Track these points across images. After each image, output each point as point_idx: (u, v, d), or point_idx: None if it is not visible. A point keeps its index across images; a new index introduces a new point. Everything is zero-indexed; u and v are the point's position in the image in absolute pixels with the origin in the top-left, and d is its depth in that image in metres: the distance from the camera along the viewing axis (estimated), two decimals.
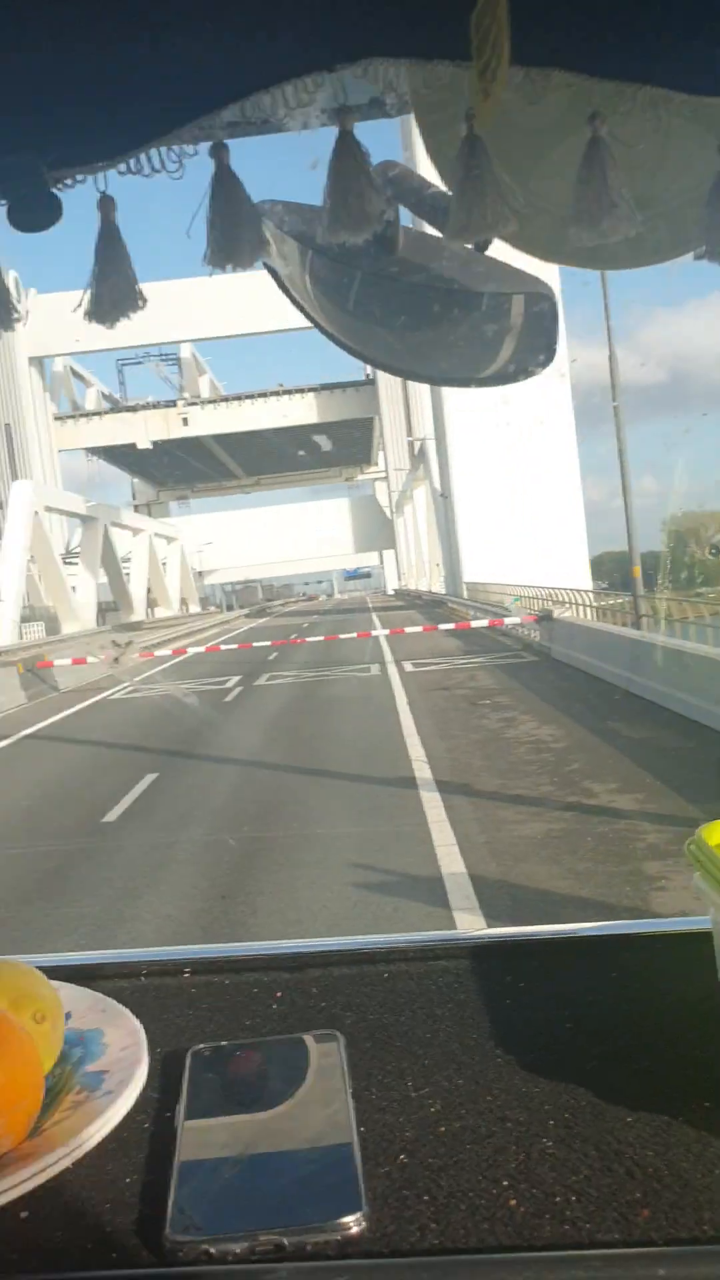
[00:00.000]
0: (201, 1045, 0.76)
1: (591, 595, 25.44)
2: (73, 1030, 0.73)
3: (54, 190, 0.68)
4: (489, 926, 4.70)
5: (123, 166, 0.68)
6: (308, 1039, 0.76)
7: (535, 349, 0.91)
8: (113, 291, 0.74)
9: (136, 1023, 0.76)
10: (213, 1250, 0.54)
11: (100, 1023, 0.76)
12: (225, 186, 0.69)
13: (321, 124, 0.68)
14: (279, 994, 0.88)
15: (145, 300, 0.74)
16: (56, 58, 0.63)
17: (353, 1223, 0.55)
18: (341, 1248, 0.54)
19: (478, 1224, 0.56)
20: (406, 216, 0.86)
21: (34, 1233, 0.57)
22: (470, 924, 5.47)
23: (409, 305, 0.89)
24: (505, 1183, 0.59)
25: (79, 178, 0.68)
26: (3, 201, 0.68)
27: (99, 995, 0.80)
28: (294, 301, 0.91)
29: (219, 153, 0.69)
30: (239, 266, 0.70)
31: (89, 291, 0.75)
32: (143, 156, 0.67)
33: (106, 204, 0.72)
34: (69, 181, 0.68)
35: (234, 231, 0.69)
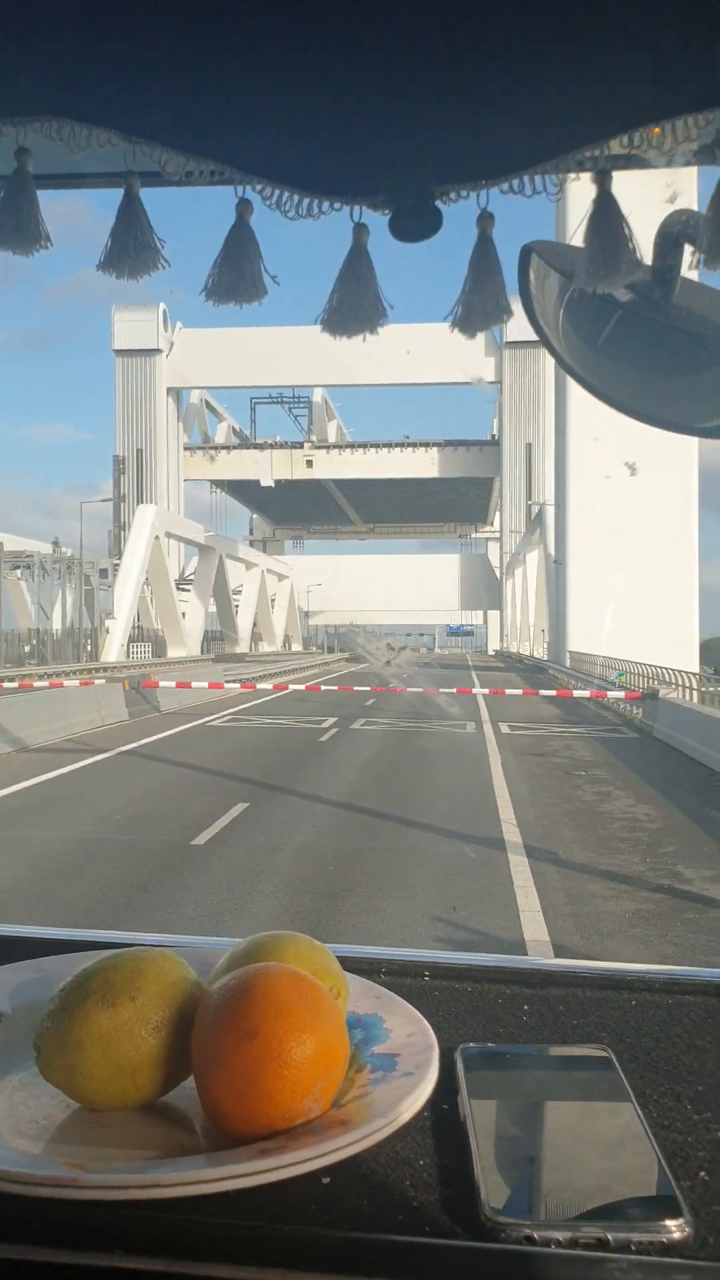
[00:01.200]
0: (470, 1044, 0.78)
1: (698, 679, 24.87)
2: (350, 1013, 0.75)
3: (437, 203, 0.70)
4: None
5: (505, 186, 0.69)
6: (578, 1052, 0.79)
7: None
8: (484, 303, 0.76)
9: (416, 1012, 0.77)
10: (535, 1235, 0.55)
11: (376, 1008, 0.78)
12: (606, 209, 0.71)
13: (687, 163, 0.70)
14: (525, 1006, 0.90)
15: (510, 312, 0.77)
16: (455, 78, 0.65)
17: (675, 1228, 0.56)
18: (665, 1250, 0.55)
19: None
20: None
21: (339, 1197, 0.60)
22: None
23: (671, 349, 0.93)
24: None
25: (463, 193, 0.70)
26: (388, 210, 0.71)
27: (369, 982, 0.82)
28: (540, 335, 0.93)
29: (603, 180, 0.71)
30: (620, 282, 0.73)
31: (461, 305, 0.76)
32: (525, 179, 0.69)
33: (485, 220, 0.74)
34: (452, 196, 0.70)
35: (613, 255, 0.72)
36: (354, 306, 0.74)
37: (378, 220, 0.73)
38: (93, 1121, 0.66)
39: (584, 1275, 0.53)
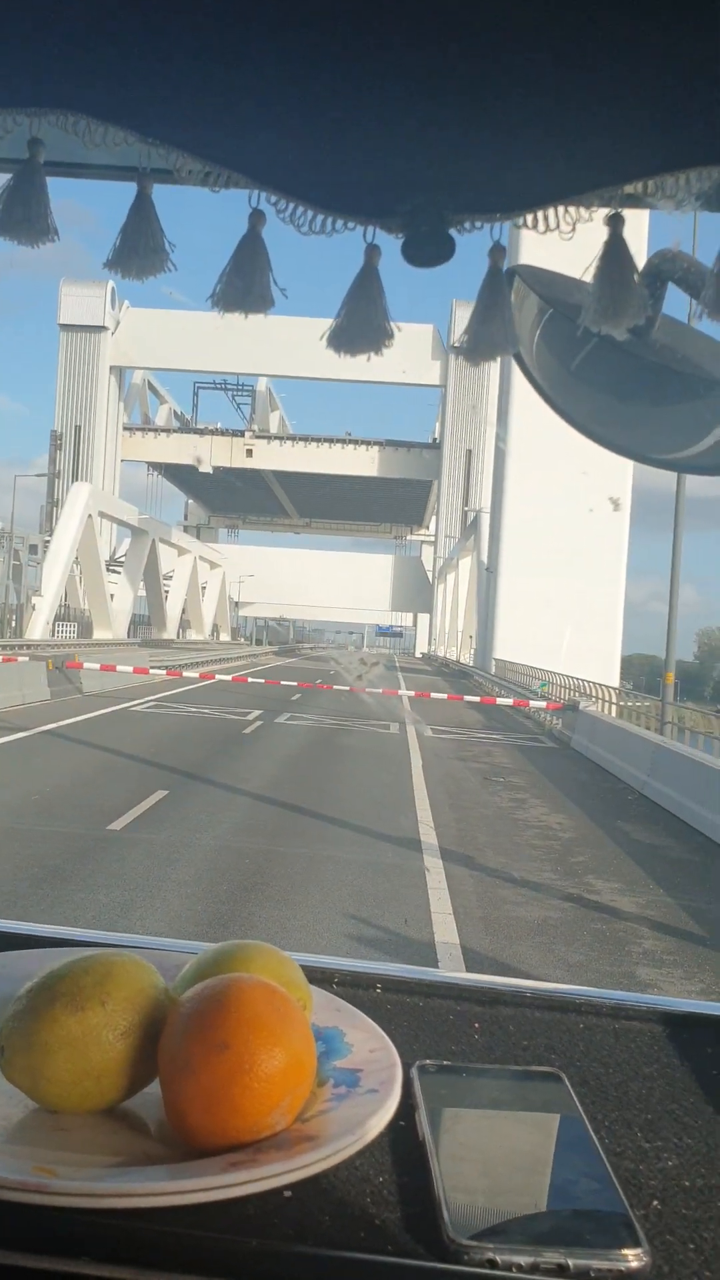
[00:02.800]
0: (427, 1061, 0.78)
1: (617, 694, 25.39)
2: (311, 1025, 0.73)
3: (451, 231, 0.70)
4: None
5: (520, 220, 0.70)
6: (532, 1074, 0.79)
7: None
8: (492, 334, 0.77)
9: (377, 1027, 0.78)
10: (498, 1259, 0.56)
11: (336, 1021, 0.78)
12: (616, 252, 0.73)
13: (694, 210, 0.70)
14: (477, 1025, 0.90)
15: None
16: (480, 109, 0.66)
17: (633, 1256, 0.57)
18: (623, 1279, 0.56)
19: None
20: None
21: (300, 1213, 0.59)
22: None
23: (641, 380, 0.95)
24: None
25: (478, 224, 0.71)
26: (401, 235, 0.71)
27: (330, 994, 0.82)
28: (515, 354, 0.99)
29: (615, 223, 0.72)
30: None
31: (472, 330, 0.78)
32: (540, 214, 0.70)
33: (496, 253, 0.75)
34: (467, 225, 0.70)
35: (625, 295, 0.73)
36: (362, 327, 0.75)
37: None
38: (52, 1124, 0.65)
39: None
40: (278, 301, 0.77)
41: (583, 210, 0.71)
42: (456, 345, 0.78)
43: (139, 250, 0.73)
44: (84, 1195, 0.55)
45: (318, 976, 0.88)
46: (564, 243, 0.75)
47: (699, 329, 0.96)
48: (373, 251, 0.74)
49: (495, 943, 6.68)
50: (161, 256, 0.74)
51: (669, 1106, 0.78)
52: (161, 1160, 0.62)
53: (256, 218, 0.73)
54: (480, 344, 0.76)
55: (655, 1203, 0.64)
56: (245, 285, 0.74)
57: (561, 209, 0.71)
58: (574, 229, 0.72)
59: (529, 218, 0.71)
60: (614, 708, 23.11)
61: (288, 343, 60.63)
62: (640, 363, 0.94)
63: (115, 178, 0.76)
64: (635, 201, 0.72)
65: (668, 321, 0.93)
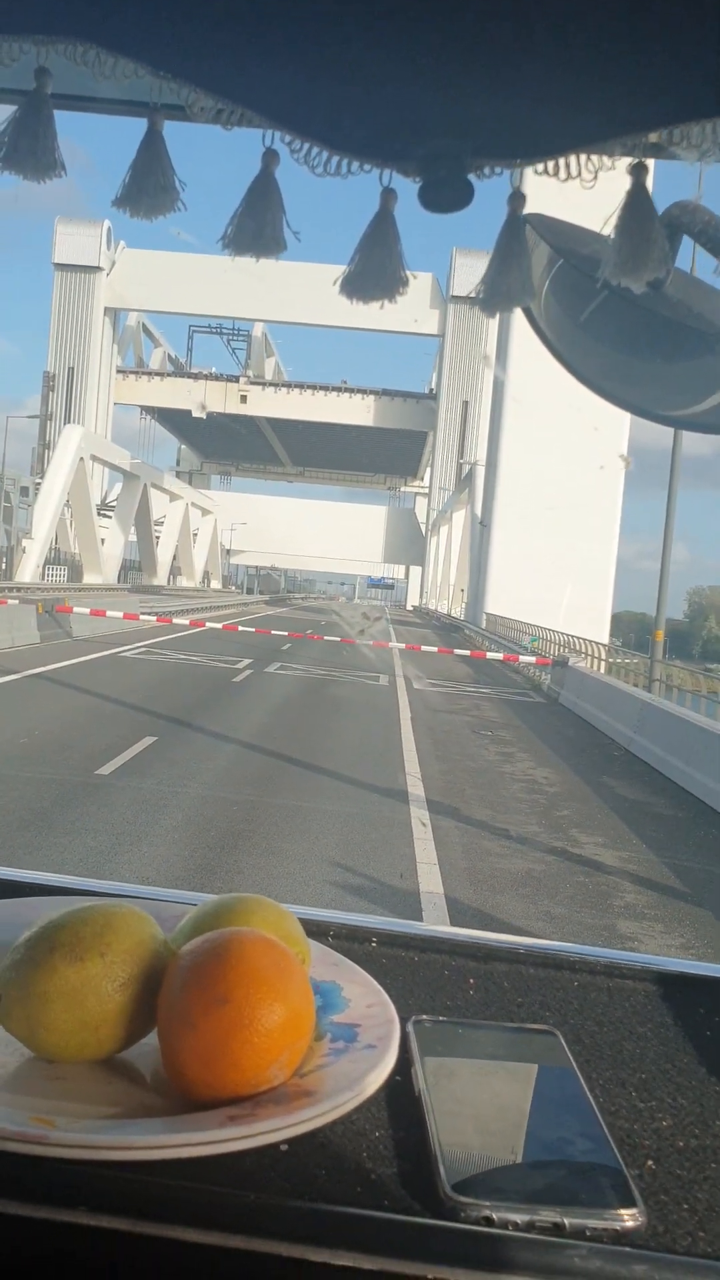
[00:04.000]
0: (423, 1016, 0.79)
1: (606, 650, 25.49)
2: (310, 980, 0.73)
3: (470, 177, 0.68)
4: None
5: (540, 167, 0.68)
6: (527, 1030, 0.79)
7: None
8: (510, 285, 0.75)
9: (374, 982, 0.77)
10: (494, 1216, 0.56)
11: (334, 975, 0.78)
12: (639, 203, 0.70)
13: (718, 161, 0.68)
14: (472, 980, 0.90)
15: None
16: (501, 50, 0.63)
17: (629, 1216, 0.57)
18: (619, 1238, 0.56)
19: None
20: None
21: (297, 1168, 0.59)
22: None
23: (652, 335, 0.93)
24: None
25: (497, 170, 0.68)
26: (418, 179, 0.68)
27: (326, 948, 0.82)
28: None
29: (639, 172, 0.70)
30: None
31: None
32: (562, 161, 0.67)
33: (516, 200, 0.73)
34: (486, 171, 0.68)
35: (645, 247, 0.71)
36: (377, 273, 0.72)
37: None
38: (48, 1073, 0.66)
39: (543, 1260, 0.53)
40: (289, 245, 0.74)
41: (605, 159, 0.68)
42: (473, 295, 0.76)
43: (148, 189, 0.71)
44: (82, 1147, 0.56)
45: (313, 930, 0.88)
46: (572, 195, 0.73)
47: (707, 284, 0.94)
48: (388, 195, 0.71)
49: (479, 894, 6.76)
50: (172, 195, 0.71)
51: (663, 1066, 0.78)
52: (158, 1112, 0.62)
53: (270, 157, 0.71)
54: (497, 294, 0.74)
55: (650, 1163, 0.64)
56: (257, 227, 0.72)
57: (584, 156, 0.68)
58: (596, 177, 0.69)
59: (550, 164, 0.68)
60: (603, 664, 23.21)
61: (285, 287, 59.78)
62: (651, 317, 0.92)
63: (125, 113, 0.73)
64: (658, 151, 0.69)
65: (679, 275, 0.91)
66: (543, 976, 0.93)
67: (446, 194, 0.68)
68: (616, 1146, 0.64)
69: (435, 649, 27.13)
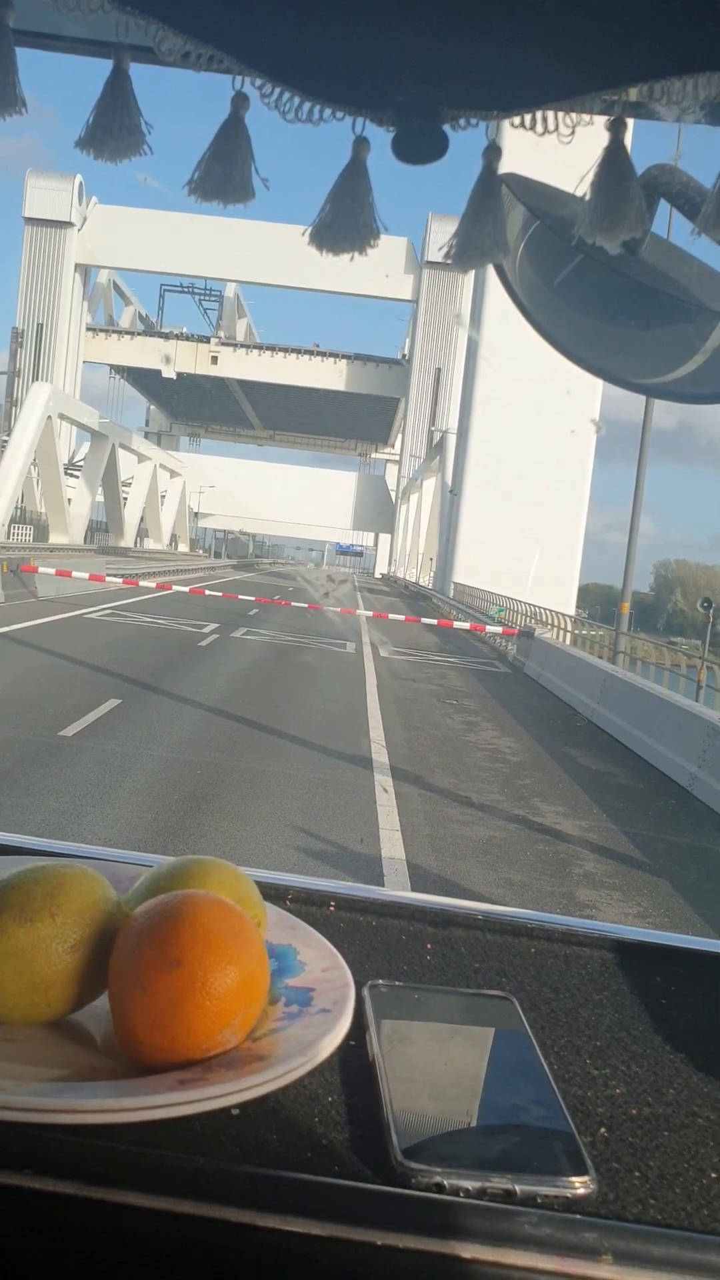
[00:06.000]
0: (379, 981, 0.78)
1: (572, 621, 25.66)
2: (265, 943, 0.73)
3: (445, 128, 0.67)
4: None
5: (517, 120, 0.67)
6: (483, 996, 0.79)
7: None
8: (483, 239, 0.73)
9: (331, 946, 0.77)
10: (445, 1183, 0.56)
11: (291, 939, 0.77)
12: (616, 160, 0.69)
13: (697, 121, 0.67)
14: (429, 945, 0.90)
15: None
16: (469, 2, 0.62)
17: (580, 1184, 0.57)
18: (569, 1205, 0.56)
19: (696, 1208, 0.58)
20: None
21: (248, 1132, 0.59)
22: None
23: (626, 301, 0.92)
24: (714, 1174, 0.61)
25: (472, 121, 0.67)
26: (392, 128, 0.67)
27: (284, 911, 0.82)
28: (496, 265, 0.95)
29: (617, 129, 0.68)
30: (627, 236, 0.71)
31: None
32: (539, 115, 0.66)
33: (491, 153, 0.71)
34: (461, 123, 0.67)
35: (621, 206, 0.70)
36: (347, 224, 0.70)
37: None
38: None
39: (494, 1227, 0.53)
40: (258, 196, 0.72)
41: (583, 115, 0.67)
42: (444, 251, 0.74)
43: (113, 130, 0.68)
44: (30, 1110, 0.55)
45: (271, 893, 0.87)
46: (549, 151, 0.72)
47: (684, 250, 0.93)
48: (361, 145, 0.69)
49: (441, 860, 6.81)
50: (137, 138, 0.69)
51: (618, 1034, 0.78)
52: (108, 1075, 0.62)
53: (240, 101, 0.69)
54: (469, 248, 0.72)
55: (602, 1130, 0.65)
56: (225, 172, 0.69)
57: (561, 111, 0.67)
58: (573, 132, 0.68)
59: (527, 118, 0.67)
60: (569, 635, 23.37)
61: (259, 248, 59.00)
62: (626, 282, 0.90)
63: (90, 52, 0.70)
64: (637, 109, 0.68)
65: (655, 241, 0.90)
66: (500, 943, 0.93)
67: (421, 145, 0.67)
68: (570, 1113, 0.64)
69: (403, 617, 27.18)
